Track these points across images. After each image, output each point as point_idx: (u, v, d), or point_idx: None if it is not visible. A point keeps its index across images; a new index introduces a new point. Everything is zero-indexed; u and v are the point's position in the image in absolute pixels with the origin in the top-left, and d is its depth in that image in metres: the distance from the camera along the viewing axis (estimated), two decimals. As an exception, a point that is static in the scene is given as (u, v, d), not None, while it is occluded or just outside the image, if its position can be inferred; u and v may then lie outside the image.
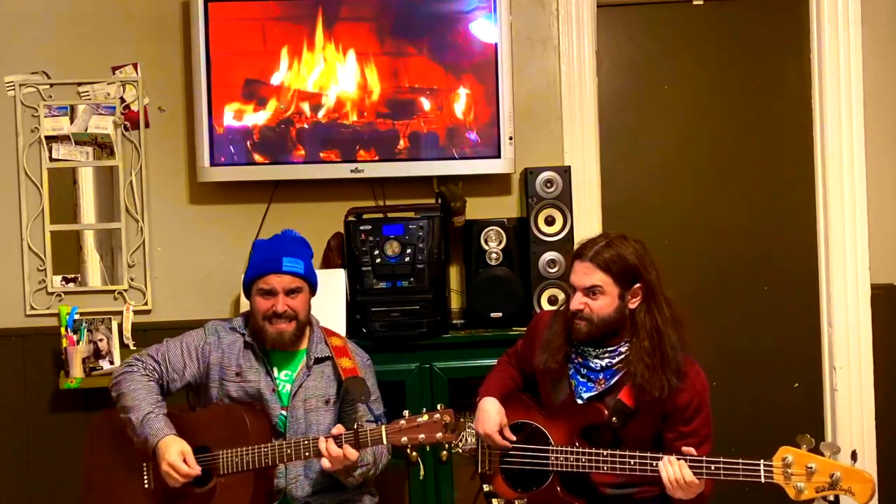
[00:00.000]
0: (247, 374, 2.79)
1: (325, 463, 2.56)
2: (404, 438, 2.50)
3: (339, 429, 2.60)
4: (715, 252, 3.85)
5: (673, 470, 2.42)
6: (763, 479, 2.33)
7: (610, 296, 2.55)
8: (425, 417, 2.49)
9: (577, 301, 2.56)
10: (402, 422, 2.51)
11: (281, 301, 2.76)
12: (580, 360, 2.64)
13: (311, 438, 2.61)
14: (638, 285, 2.56)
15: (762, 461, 2.34)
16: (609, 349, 2.60)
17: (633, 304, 2.57)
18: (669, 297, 2.60)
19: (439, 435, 2.48)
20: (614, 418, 2.56)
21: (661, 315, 2.56)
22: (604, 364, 2.61)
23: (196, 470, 2.61)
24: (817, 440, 2.34)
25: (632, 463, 2.49)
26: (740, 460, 2.36)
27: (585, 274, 2.55)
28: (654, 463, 2.46)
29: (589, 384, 2.62)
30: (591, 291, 2.55)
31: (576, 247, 2.67)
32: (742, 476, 2.36)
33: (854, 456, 2.31)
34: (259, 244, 2.93)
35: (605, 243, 2.57)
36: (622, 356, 2.59)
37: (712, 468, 2.39)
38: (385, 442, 2.53)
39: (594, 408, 2.59)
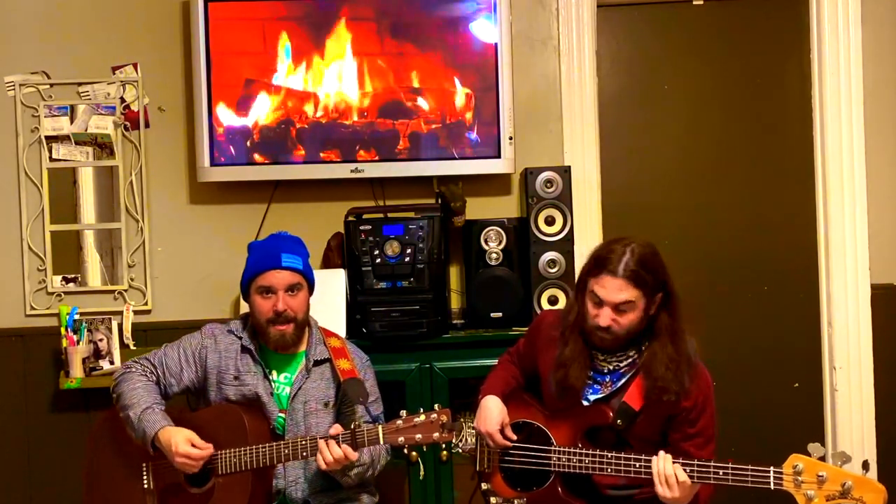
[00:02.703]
0: (244, 378, 2.78)
1: (321, 461, 2.56)
2: (401, 438, 2.50)
3: (336, 428, 2.59)
4: (715, 252, 3.85)
5: (661, 464, 2.39)
6: (773, 486, 2.30)
7: (638, 309, 2.50)
8: (422, 417, 2.49)
9: (607, 317, 2.49)
10: (399, 422, 2.51)
11: (281, 299, 2.75)
12: (588, 363, 2.63)
13: (308, 438, 2.60)
14: (660, 293, 2.53)
15: (772, 468, 2.31)
16: (618, 355, 2.59)
17: (653, 310, 2.54)
18: (682, 298, 2.57)
19: (436, 435, 2.47)
20: (619, 420, 2.54)
21: (681, 318, 2.54)
22: (611, 368, 2.60)
23: (209, 447, 2.60)
24: (818, 440, 2.33)
25: (637, 466, 2.47)
26: (749, 466, 2.33)
27: (618, 290, 2.46)
28: None
29: (595, 386, 2.61)
30: (620, 307, 2.49)
31: (596, 255, 2.55)
32: (751, 482, 2.33)
33: (866, 465, 2.29)
34: (255, 245, 2.91)
35: (631, 254, 2.48)
36: (630, 360, 2.58)
37: (720, 473, 2.36)
38: (382, 442, 2.52)
39: (598, 409, 2.58)
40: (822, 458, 2.29)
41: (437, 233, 3.32)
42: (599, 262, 2.51)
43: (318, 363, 2.82)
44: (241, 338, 2.83)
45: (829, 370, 3.80)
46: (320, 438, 2.57)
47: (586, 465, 2.54)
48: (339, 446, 2.53)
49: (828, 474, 2.25)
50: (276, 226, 3.56)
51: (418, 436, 2.48)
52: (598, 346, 2.58)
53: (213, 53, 3.54)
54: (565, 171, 3.45)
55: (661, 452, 2.43)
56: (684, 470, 2.39)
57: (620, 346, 2.56)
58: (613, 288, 2.47)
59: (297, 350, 2.84)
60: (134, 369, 2.79)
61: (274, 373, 2.81)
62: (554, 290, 3.39)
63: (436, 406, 2.52)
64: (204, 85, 3.53)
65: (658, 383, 2.49)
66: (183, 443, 2.59)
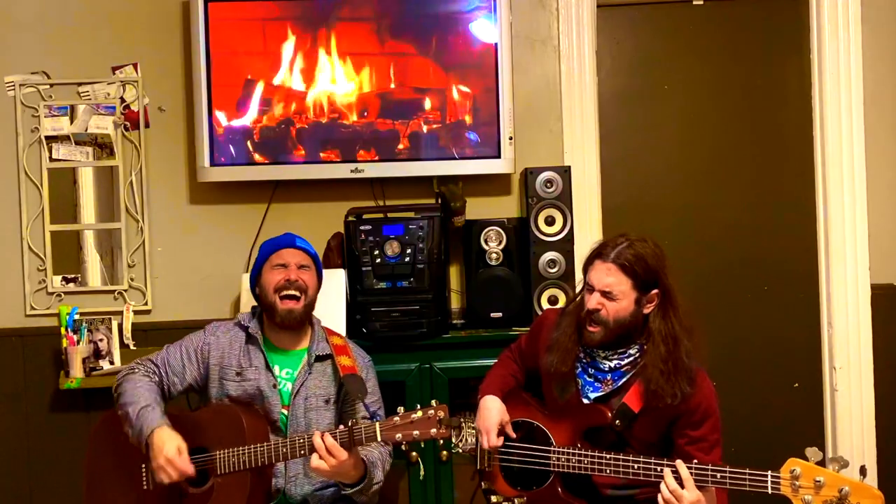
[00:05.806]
0: (247, 374, 2.79)
1: (315, 460, 2.51)
2: (399, 435, 2.48)
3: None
4: (715, 252, 3.85)
5: (669, 484, 2.38)
6: (770, 491, 2.31)
7: (627, 299, 2.53)
8: (419, 414, 2.48)
9: (595, 301, 2.53)
10: (397, 418, 2.50)
11: (293, 271, 2.80)
12: (588, 360, 2.63)
13: (306, 436, 2.60)
14: (655, 291, 2.54)
15: (770, 472, 2.31)
16: (619, 351, 2.59)
17: (648, 308, 2.55)
18: (682, 304, 2.57)
19: (434, 431, 2.46)
20: (617, 421, 2.54)
21: (678, 321, 2.54)
22: (612, 365, 2.60)
23: (190, 469, 2.60)
24: (817, 440, 2.33)
25: (635, 467, 2.48)
26: (747, 470, 2.34)
27: (606, 274, 2.52)
28: (659, 468, 2.44)
29: (596, 384, 2.61)
30: (609, 293, 2.52)
31: (595, 245, 2.63)
32: (749, 486, 2.33)
33: (863, 471, 2.29)
34: (267, 241, 2.97)
35: (627, 244, 2.54)
36: (631, 358, 2.58)
37: (718, 476, 2.37)
38: (379, 438, 2.51)
39: (598, 409, 2.58)
40: (820, 463, 2.29)
41: (437, 233, 3.32)
42: (596, 251, 2.59)
43: (319, 359, 2.83)
44: (248, 326, 2.84)
45: (829, 370, 3.80)
46: (316, 433, 2.54)
47: (585, 466, 2.55)
48: (333, 439, 2.51)
49: (825, 479, 2.26)
50: (276, 226, 3.56)
51: (416, 432, 2.47)
52: (589, 343, 2.59)
53: (213, 53, 3.54)
54: (565, 171, 3.45)
55: (669, 469, 2.40)
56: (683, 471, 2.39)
57: (612, 341, 2.57)
58: (602, 272, 2.53)
59: (300, 346, 2.85)
60: (137, 370, 2.79)
61: (276, 368, 2.81)
62: (554, 290, 3.39)
63: (433, 402, 2.52)
64: (204, 85, 3.53)
65: (651, 386, 2.50)
66: (173, 449, 2.57)
